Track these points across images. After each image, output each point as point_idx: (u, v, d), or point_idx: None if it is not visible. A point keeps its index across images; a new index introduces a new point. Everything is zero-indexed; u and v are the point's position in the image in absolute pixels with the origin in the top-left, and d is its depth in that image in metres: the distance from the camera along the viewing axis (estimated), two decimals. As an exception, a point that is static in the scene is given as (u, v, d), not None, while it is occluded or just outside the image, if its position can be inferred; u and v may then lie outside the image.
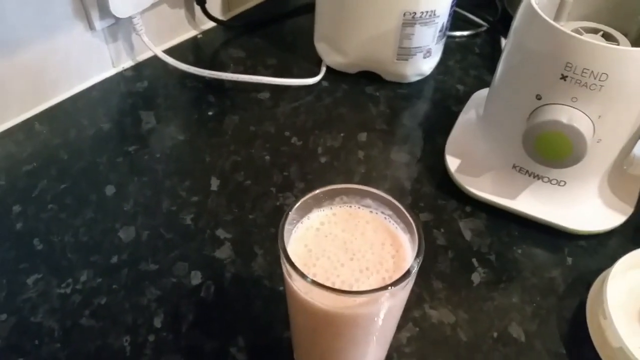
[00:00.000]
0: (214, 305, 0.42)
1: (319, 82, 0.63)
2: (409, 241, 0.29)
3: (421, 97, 0.62)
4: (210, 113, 0.58)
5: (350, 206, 0.31)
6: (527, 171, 0.46)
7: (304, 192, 0.30)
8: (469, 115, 0.54)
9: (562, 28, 0.39)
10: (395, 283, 0.25)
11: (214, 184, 0.51)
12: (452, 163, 0.50)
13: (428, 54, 0.60)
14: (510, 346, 0.40)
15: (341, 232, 0.30)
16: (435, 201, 0.50)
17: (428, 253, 0.45)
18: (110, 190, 0.50)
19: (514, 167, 0.47)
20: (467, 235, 0.47)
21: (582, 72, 0.39)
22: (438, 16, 0.56)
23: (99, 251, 0.45)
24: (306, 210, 0.30)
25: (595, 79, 0.38)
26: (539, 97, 0.42)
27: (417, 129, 0.58)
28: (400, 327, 0.40)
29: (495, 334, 0.40)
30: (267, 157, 0.53)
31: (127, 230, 0.47)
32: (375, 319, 0.28)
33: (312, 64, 0.65)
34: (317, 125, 0.57)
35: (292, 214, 0.28)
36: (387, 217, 0.30)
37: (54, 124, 0.56)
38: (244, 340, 0.39)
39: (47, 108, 0.57)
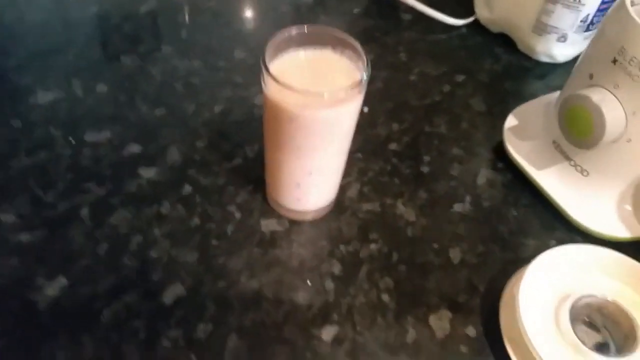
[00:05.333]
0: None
1: (460, 27, 0.68)
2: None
3: (539, 77, 0.63)
4: (355, 10, 0.68)
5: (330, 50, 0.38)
6: (562, 149, 0.48)
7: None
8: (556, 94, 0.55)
9: (631, 11, 0.40)
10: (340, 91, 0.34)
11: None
12: (510, 122, 0.53)
13: (563, 38, 0.61)
14: (441, 261, 0.44)
15: (313, 65, 0.38)
16: (476, 147, 0.54)
17: (436, 175, 0.51)
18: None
19: (554, 142, 0.49)
20: (480, 180, 0.51)
21: (631, 60, 0.40)
22: (583, 5, 0.57)
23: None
24: (292, 45, 0.38)
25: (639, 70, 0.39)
26: (591, 77, 0.43)
27: (513, 94, 0.60)
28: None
29: (435, 246, 0.45)
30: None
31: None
32: (325, 121, 0.36)
33: (466, 9, 0.69)
34: (428, 57, 0.63)
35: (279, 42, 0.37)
36: (354, 62, 0.38)
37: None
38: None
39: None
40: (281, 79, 0.34)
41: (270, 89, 0.36)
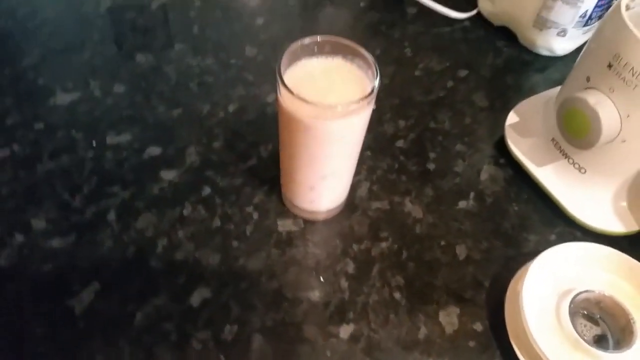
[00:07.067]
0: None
1: (463, 21, 0.70)
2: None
3: (539, 70, 0.65)
4: (361, 4, 0.69)
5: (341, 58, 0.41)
6: (560, 147, 0.50)
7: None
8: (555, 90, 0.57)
9: (625, 17, 0.42)
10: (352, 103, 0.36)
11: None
12: (511, 119, 0.55)
13: (562, 33, 0.63)
14: (448, 257, 0.47)
15: (325, 74, 0.40)
16: (479, 142, 0.56)
17: (441, 172, 0.53)
18: (257, 21, 0.66)
19: (553, 140, 0.51)
20: (483, 176, 0.53)
21: (625, 65, 0.42)
22: (582, 1, 0.58)
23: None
24: (305, 54, 0.40)
25: (633, 76, 0.41)
26: (587, 79, 0.45)
27: (514, 88, 0.62)
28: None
29: (442, 242, 0.48)
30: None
31: (250, 50, 0.62)
32: (337, 131, 0.38)
33: (468, 2, 0.71)
34: (432, 51, 0.65)
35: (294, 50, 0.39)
36: (364, 71, 0.40)
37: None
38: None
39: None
40: (295, 90, 0.36)
41: (285, 99, 0.38)
